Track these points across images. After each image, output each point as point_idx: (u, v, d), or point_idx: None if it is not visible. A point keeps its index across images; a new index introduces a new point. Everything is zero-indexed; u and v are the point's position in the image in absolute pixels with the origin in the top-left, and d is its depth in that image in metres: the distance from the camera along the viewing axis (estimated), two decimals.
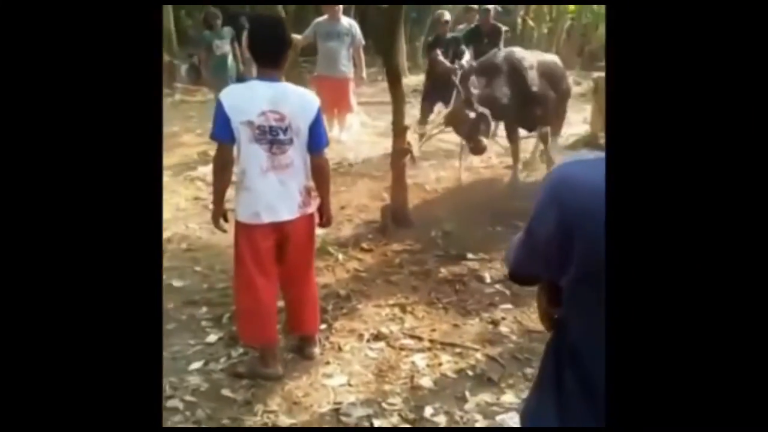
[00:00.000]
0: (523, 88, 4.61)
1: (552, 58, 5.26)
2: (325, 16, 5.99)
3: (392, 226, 4.24)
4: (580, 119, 7.83)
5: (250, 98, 2.29)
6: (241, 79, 9.27)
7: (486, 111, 4.34)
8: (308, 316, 2.68)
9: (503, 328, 2.96)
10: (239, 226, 2.44)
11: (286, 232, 2.43)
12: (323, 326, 2.91)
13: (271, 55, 2.32)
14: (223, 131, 2.29)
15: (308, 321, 2.69)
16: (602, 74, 7.20)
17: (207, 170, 5.43)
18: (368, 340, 2.83)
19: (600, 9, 13.41)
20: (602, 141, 6.25)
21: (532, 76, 4.65)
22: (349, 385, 2.52)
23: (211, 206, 2.63)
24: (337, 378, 2.56)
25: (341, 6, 5.99)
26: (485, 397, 2.43)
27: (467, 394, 2.44)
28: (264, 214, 2.37)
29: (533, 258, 0.87)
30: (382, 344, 2.81)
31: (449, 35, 6.02)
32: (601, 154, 0.79)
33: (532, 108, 4.69)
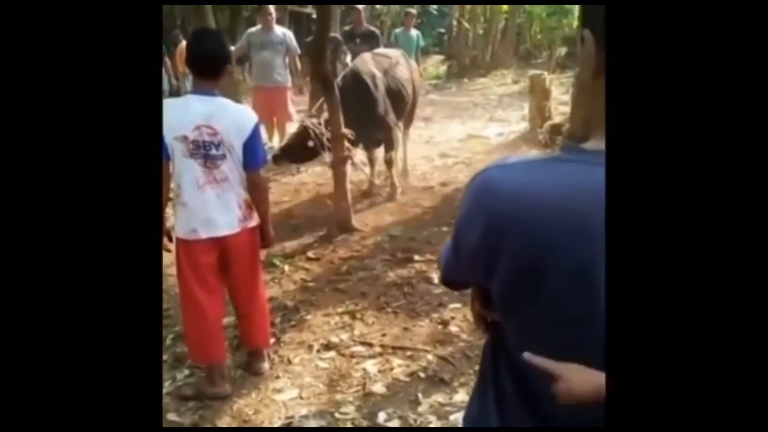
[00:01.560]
0: (367, 109, 4.52)
1: (398, 61, 5.14)
2: (259, 26, 5.92)
3: (337, 232, 4.22)
4: (518, 117, 8.05)
5: (185, 113, 2.25)
6: (175, 93, 9.08)
7: (325, 136, 4.16)
8: (256, 330, 2.62)
9: (453, 328, 2.97)
10: (179, 242, 2.37)
11: (228, 246, 2.38)
12: (272, 340, 2.85)
13: (209, 68, 2.28)
14: None
15: (256, 335, 2.63)
16: (537, 72, 7.41)
17: None
18: (318, 351, 2.79)
19: (532, 8, 13.83)
20: (541, 137, 6.45)
21: (378, 96, 4.59)
22: (301, 398, 2.47)
23: None
24: (287, 392, 2.51)
25: (274, 15, 5.93)
26: (438, 397, 2.43)
27: (420, 396, 2.44)
28: (202, 229, 2.32)
29: (462, 264, 0.85)
30: (332, 353, 2.77)
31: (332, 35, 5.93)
32: (524, 156, 0.79)
33: (375, 131, 4.64)
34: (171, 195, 2.38)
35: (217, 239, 2.35)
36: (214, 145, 2.26)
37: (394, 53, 5.42)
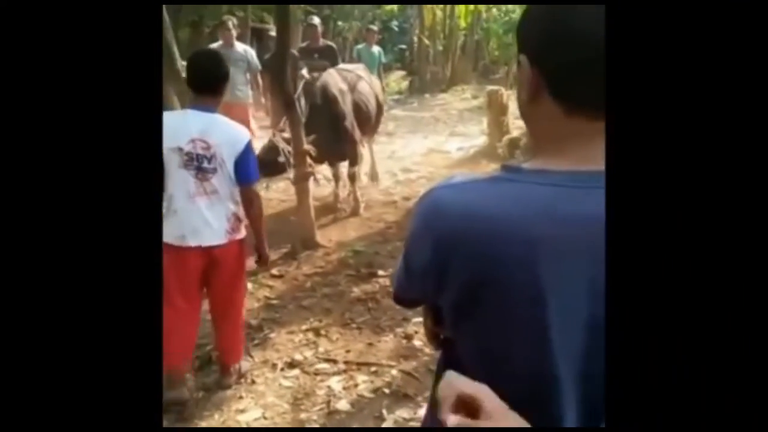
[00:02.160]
0: (335, 123, 4.56)
1: (362, 75, 5.26)
2: (220, 43, 5.90)
3: (301, 249, 4.21)
4: (478, 131, 8.20)
5: (182, 126, 2.35)
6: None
7: (288, 151, 4.17)
8: (230, 345, 2.65)
9: (417, 342, 3.00)
10: (166, 248, 2.36)
11: (214, 257, 2.44)
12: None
13: (208, 86, 2.42)
14: None
15: (229, 350, 2.66)
16: (495, 87, 7.59)
17: None
18: (282, 369, 2.77)
19: (489, 25, 14.16)
20: (500, 151, 6.58)
21: (345, 110, 4.65)
22: (264, 418, 2.45)
23: None
24: (251, 412, 2.48)
25: (234, 32, 5.92)
26: (403, 413, 2.44)
27: (384, 412, 2.44)
28: (190, 237, 2.39)
29: (412, 283, 0.86)
30: (296, 372, 2.76)
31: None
32: (471, 176, 0.81)
33: (341, 146, 4.68)
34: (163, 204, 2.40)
35: (204, 249, 2.40)
36: (206, 159, 2.37)
37: (358, 68, 5.49)
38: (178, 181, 2.37)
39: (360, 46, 7.40)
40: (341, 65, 5.68)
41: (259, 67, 5.98)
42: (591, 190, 0.72)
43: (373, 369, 2.76)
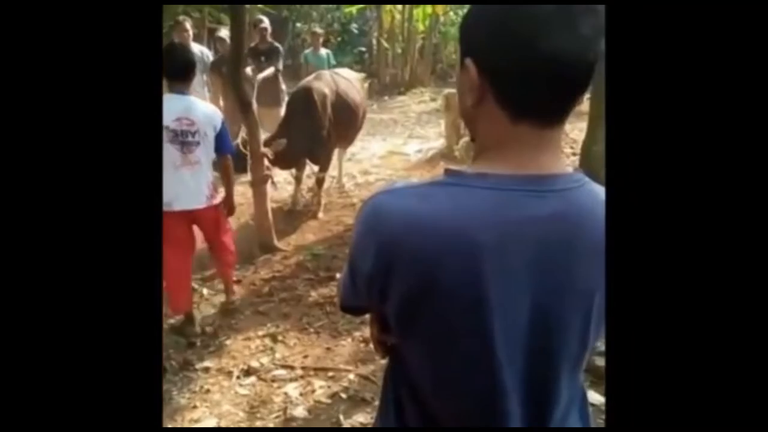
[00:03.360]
0: (311, 126, 4.52)
1: (353, 84, 5.22)
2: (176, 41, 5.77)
3: (259, 253, 4.15)
4: (436, 133, 8.26)
5: (167, 108, 2.74)
6: None
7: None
8: (224, 269, 3.37)
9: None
10: None
11: (197, 218, 2.99)
12: (190, 368, 2.77)
13: (181, 73, 2.85)
14: None
15: (224, 273, 3.39)
16: (452, 90, 7.66)
17: None
18: (238, 377, 2.73)
19: (446, 29, 14.32)
20: (457, 153, 6.65)
21: (323, 116, 4.62)
22: (219, 427, 2.40)
23: None
24: (206, 422, 2.43)
25: (191, 32, 5.80)
26: (359, 418, 2.44)
27: (341, 417, 2.43)
28: (175, 203, 2.83)
29: (357, 291, 0.85)
30: (252, 379, 2.72)
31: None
32: (412, 182, 0.81)
33: (314, 149, 4.67)
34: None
35: (188, 212, 2.90)
36: (190, 134, 2.85)
37: (352, 75, 5.46)
38: (165, 156, 2.76)
39: (307, 51, 7.29)
40: (336, 69, 5.64)
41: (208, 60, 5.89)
42: (534, 193, 0.73)
43: (330, 374, 2.75)
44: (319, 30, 7.92)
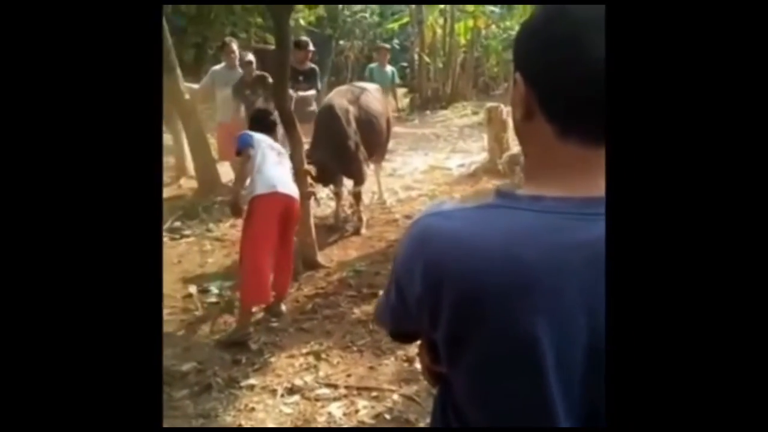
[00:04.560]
0: (338, 142, 4.56)
1: (374, 95, 5.23)
2: (222, 64, 5.94)
3: (302, 269, 4.18)
4: (478, 147, 8.19)
5: (263, 138, 3.54)
6: None
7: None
8: (285, 281, 3.66)
9: (419, 365, 2.94)
10: (257, 197, 3.40)
11: (290, 207, 3.45)
12: (235, 386, 2.80)
13: (265, 131, 3.61)
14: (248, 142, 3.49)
15: (284, 285, 3.66)
16: (495, 104, 7.59)
17: None
18: (282, 395, 2.73)
19: (488, 42, 14.25)
20: (500, 168, 6.56)
21: (349, 130, 4.63)
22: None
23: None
24: None
25: (237, 53, 5.96)
26: None
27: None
28: (279, 186, 3.38)
29: (408, 313, 0.82)
30: (296, 397, 2.72)
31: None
32: (461, 204, 0.79)
33: (345, 165, 4.68)
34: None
35: (287, 196, 3.43)
36: (281, 153, 3.63)
37: (371, 87, 5.47)
38: (267, 156, 3.41)
39: (372, 66, 7.27)
40: (354, 83, 5.68)
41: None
42: (587, 217, 0.70)
43: (374, 394, 2.72)
44: (386, 45, 7.83)
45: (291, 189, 3.46)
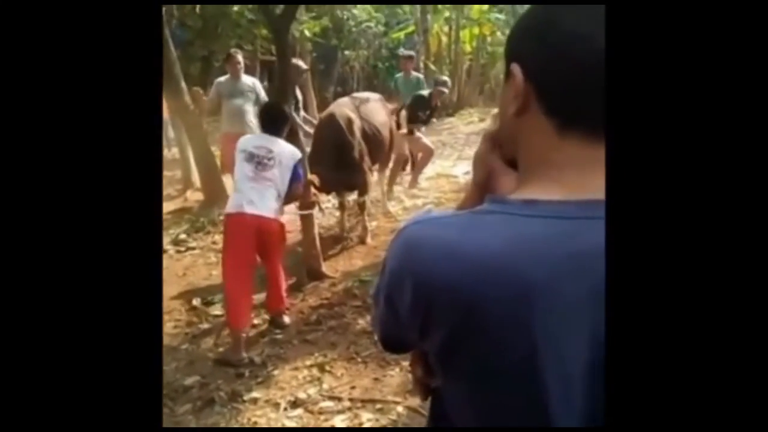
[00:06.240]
0: (342, 153, 4.50)
1: (376, 105, 5.17)
2: (227, 76, 5.96)
3: (307, 280, 4.15)
4: None
5: (253, 139, 3.45)
6: None
7: None
8: (278, 295, 3.50)
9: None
10: (228, 216, 3.28)
11: (263, 227, 3.20)
12: (238, 400, 2.76)
13: (274, 128, 3.40)
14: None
15: (278, 300, 3.51)
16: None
17: None
18: (285, 409, 2.70)
19: (494, 49, 14.25)
20: None
21: (353, 140, 4.59)
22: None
23: None
24: None
25: (242, 64, 5.97)
26: None
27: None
28: (246, 207, 3.14)
29: (398, 326, 0.78)
30: (300, 411, 2.68)
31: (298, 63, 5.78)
32: (448, 211, 0.76)
33: (349, 175, 4.60)
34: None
35: (257, 217, 3.16)
36: (267, 159, 3.26)
37: (373, 96, 5.44)
38: (241, 170, 3.23)
39: (398, 75, 7.16)
40: (356, 93, 5.66)
41: (266, 98, 5.99)
42: (588, 222, 0.66)
43: (378, 406, 2.67)
44: (411, 52, 7.66)
45: (262, 208, 3.19)
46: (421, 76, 7.16)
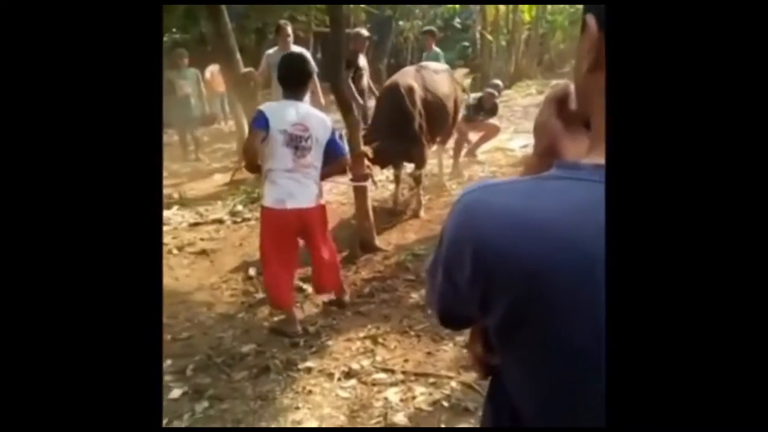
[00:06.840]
0: (402, 123, 4.40)
1: (442, 76, 5.01)
2: (276, 48, 5.96)
3: (360, 253, 4.15)
4: None
5: (285, 113, 2.95)
6: (209, 120, 9.28)
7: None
8: (328, 279, 3.34)
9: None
10: (266, 210, 3.06)
11: (306, 216, 3.06)
12: (293, 368, 2.80)
13: (298, 81, 3.04)
14: (262, 125, 2.91)
15: (329, 283, 3.36)
16: (560, 81, 7.27)
17: (169, 214, 5.30)
18: (339, 379, 2.71)
19: (554, 17, 13.68)
20: None
21: (413, 111, 4.45)
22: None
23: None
24: (307, 424, 2.43)
25: (291, 36, 5.96)
26: (462, 428, 2.32)
27: (443, 426, 2.33)
28: (288, 201, 2.99)
29: (458, 299, 0.74)
30: (353, 381, 2.69)
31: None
32: (510, 179, 0.70)
33: (408, 147, 4.50)
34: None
35: (300, 210, 3.01)
36: (304, 139, 2.99)
37: (440, 67, 5.28)
38: (280, 157, 2.95)
39: (425, 54, 7.30)
40: (423, 63, 5.54)
41: (316, 69, 5.98)
42: None
43: (431, 380, 2.65)
44: (432, 28, 7.83)
45: (303, 200, 3.00)
46: (439, 51, 7.18)
